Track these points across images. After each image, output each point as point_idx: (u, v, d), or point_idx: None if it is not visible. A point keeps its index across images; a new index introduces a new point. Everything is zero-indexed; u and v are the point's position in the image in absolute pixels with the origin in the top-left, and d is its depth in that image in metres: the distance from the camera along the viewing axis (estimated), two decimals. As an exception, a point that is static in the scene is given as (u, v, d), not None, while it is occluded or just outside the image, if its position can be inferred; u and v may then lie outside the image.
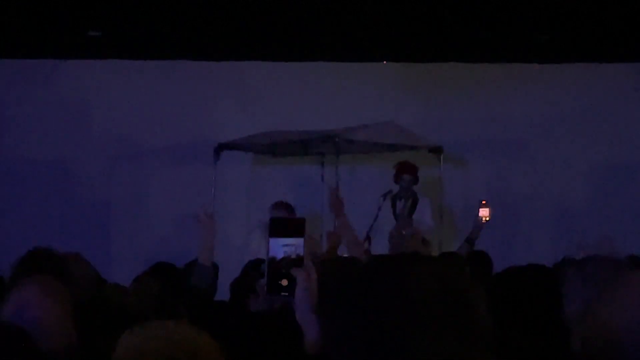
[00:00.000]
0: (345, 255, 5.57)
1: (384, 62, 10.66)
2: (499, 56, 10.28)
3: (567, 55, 10.22)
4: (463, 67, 10.52)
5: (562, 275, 2.65)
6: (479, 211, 6.95)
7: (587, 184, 10.39)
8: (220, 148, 9.65)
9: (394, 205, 9.04)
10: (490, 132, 10.44)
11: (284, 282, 2.06)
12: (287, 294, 2.06)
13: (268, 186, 10.38)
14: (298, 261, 2.07)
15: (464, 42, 9.81)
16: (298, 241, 2.08)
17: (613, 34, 9.39)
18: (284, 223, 2.12)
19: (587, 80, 10.47)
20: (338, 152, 9.30)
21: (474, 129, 10.41)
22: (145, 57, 10.48)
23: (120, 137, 10.57)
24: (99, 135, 10.58)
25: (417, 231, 6.23)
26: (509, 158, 10.50)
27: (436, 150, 9.60)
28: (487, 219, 6.93)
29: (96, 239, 10.04)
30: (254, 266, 4.67)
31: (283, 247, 2.08)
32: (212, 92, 10.63)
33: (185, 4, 8.60)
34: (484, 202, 7.04)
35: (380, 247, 8.54)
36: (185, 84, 10.61)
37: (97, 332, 2.58)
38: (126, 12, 8.86)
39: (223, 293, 4.76)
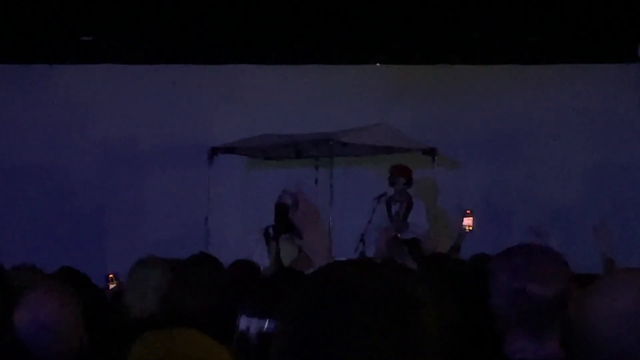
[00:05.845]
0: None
1: (377, 64, 10.68)
2: (491, 58, 10.31)
3: (559, 56, 10.26)
4: (456, 69, 10.54)
5: (488, 267, 2.57)
6: (462, 220, 6.97)
7: (580, 185, 10.42)
8: (214, 151, 9.65)
9: (389, 208, 9.04)
10: (483, 133, 10.46)
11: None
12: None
13: (262, 189, 10.36)
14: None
15: (456, 45, 9.84)
16: None
17: (604, 35, 9.42)
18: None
19: (579, 81, 10.49)
20: (332, 155, 9.31)
21: (468, 131, 10.43)
22: (138, 62, 10.48)
23: (114, 141, 10.57)
24: (93, 140, 10.57)
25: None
26: (502, 159, 10.53)
27: (430, 152, 9.61)
28: (471, 228, 6.93)
29: (91, 242, 10.04)
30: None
31: None
32: (206, 95, 10.63)
33: (177, 9, 8.61)
34: (468, 211, 7.06)
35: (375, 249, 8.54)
36: (178, 88, 10.61)
37: (108, 335, 2.63)
38: (118, 17, 8.86)
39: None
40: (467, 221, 6.96)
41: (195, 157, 9.91)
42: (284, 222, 8.58)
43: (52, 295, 2.66)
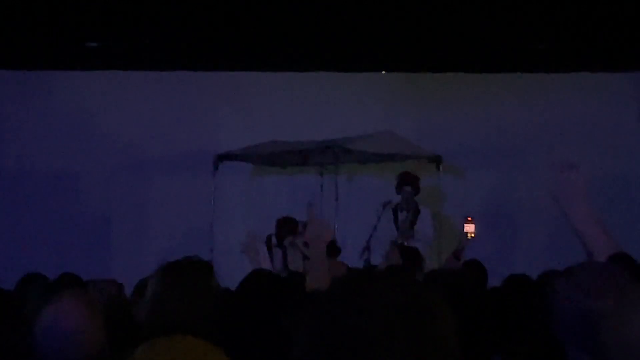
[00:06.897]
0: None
1: (383, 72, 10.69)
2: (496, 66, 10.30)
3: (564, 64, 10.25)
4: (461, 76, 10.54)
5: (549, 286, 2.50)
6: (464, 227, 6.93)
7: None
8: (219, 159, 9.65)
9: (395, 216, 9.02)
10: (488, 141, 10.45)
11: None
12: None
13: (267, 196, 10.38)
14: None
15: (461, 52, 9.84)
16: None
17: (610, 44, 9.42)
18: None
19: (584, 89, 10.48)
20: (337, 162, 9.31)
21: (472, 138, 10.42)
22: (144, 68, 10.50)
23: (120, 148, 10.58)
24: (98, 147, 10.58)
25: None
26: (507, 167, 10.51)
27: (435, 160, 9.60)
28: (472, 235, 6.89)
29: (96, 249, 10.05)
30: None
31: None
32: (211, 102, 10.64)
33: (183, 15, 8.63)
34: (469, 218, 7.01)
35: (380, 256, 8.55)
36: (183, 95, 10.62)
37: (127, 344, 2.63)
38: (124, 24, 8.89)
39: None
40: (469, 228, 6.92)
41: (200, 164, 9.92)
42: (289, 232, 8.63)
43: (75, 303, 2.67)
